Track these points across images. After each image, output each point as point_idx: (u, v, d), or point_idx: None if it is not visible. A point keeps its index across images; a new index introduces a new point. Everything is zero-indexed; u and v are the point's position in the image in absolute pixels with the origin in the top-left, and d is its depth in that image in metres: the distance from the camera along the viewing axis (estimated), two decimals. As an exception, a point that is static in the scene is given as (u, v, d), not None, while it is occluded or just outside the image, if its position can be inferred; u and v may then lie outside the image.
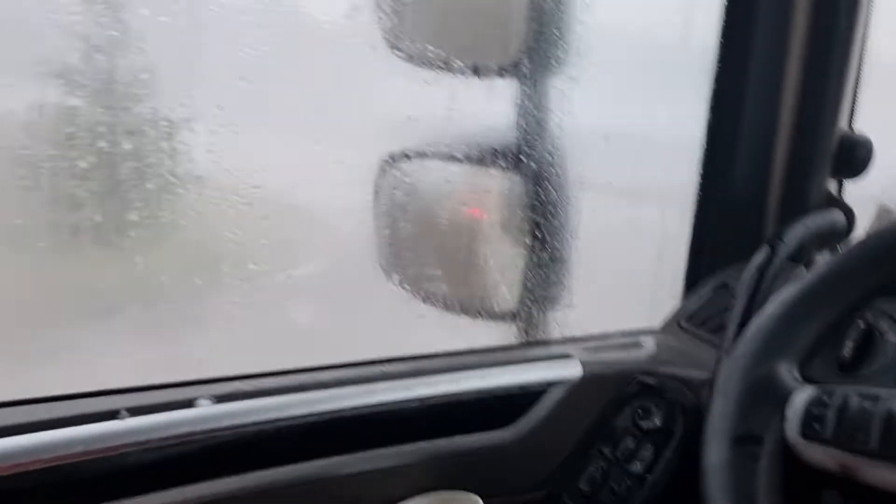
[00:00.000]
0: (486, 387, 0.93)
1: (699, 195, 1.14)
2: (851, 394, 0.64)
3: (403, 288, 1.08)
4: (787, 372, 0.70)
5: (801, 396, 0.67)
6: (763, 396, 0.69)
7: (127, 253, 0.91)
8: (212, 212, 0.92)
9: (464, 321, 1.08)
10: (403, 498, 0.88)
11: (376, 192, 1.07)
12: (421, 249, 1.10)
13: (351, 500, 0.86)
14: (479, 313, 1.10)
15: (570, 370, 0.98)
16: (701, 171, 1.13)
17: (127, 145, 0.86)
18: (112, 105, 0.85)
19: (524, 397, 0.95)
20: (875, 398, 0.63)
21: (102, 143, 0.84)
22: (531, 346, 1.06)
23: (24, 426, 0.70)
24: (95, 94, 0.84)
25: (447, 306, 1.08)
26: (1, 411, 0.72)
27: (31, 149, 0.82)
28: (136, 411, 0.75)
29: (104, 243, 0.90)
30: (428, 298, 1.09)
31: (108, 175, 0.87)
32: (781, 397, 0.68)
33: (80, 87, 0.83)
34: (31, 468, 0.68)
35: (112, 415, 0.74)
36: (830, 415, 0.64)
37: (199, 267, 0.97)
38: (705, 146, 1.12)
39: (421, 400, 0.89)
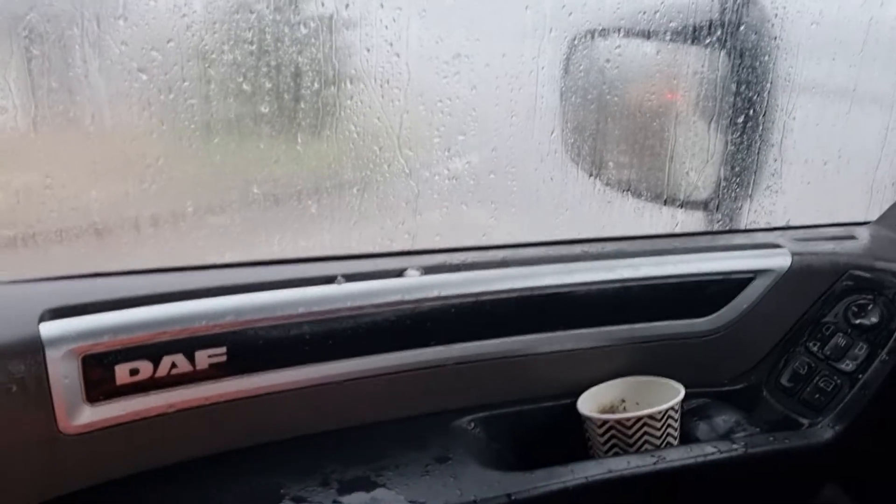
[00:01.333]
0: (690, 272, 0.89)
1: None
2: None
3: (589, 173, 1.04)
4: None
5: None
6: None
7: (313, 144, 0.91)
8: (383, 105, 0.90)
9: (652, 208, 1.03)
10: (600, 380, 0.87)
11: (565, 72, 1.01)
12: (611, 132, 1.04)
13: (549, 378, 0.86)
14: (673, 200, 1.04)
15: (778, 260, 0.92)
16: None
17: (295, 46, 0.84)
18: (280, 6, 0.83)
19: (728, 286, 0.90)
20: None
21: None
22: (737, 233, 1.00)
23: (253, 285, 0.73)
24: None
25: (637, 193, 1.03)
26: (233, 271, 0.75)
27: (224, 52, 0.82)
28: (350, 278, 0.76)
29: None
30: (616, 184, 1.04)
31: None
32: None
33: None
34: (261, 325, 0.71)
35: (329, 280, 0.76)
36: None
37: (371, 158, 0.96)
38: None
39: (622, 282, 0.86)
